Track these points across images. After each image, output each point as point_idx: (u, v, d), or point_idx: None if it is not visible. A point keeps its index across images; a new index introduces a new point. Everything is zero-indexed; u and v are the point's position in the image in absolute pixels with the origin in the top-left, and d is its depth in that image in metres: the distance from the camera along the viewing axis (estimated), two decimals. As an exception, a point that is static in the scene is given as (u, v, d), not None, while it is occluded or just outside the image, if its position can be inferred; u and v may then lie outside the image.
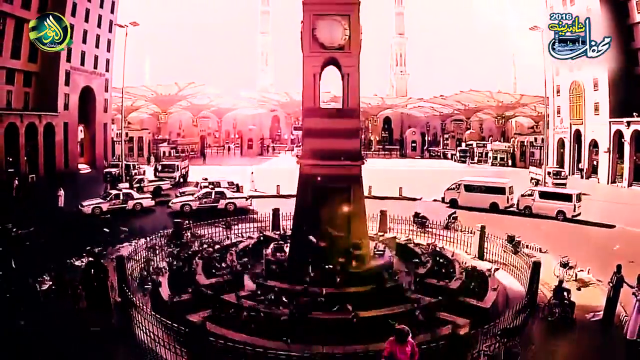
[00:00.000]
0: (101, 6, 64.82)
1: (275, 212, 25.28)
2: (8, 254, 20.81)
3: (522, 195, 34.77)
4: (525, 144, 76.57)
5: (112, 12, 67.67)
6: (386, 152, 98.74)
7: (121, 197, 32.70)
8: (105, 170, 49.99)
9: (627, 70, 55.15)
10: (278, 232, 22.99)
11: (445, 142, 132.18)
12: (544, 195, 33.46)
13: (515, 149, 75.85)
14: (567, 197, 32.44)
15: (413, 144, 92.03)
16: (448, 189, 36.85)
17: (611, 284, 15.55)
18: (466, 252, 22.43)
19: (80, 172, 60.53)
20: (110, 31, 67.06)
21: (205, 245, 21.52)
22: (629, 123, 52.42)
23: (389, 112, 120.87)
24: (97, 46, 64.62)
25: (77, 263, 19.95)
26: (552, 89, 67.12)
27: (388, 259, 17.98)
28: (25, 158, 51.18)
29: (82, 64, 61.12)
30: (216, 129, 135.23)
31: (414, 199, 39.55)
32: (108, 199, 32.37)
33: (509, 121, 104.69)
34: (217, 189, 33.77)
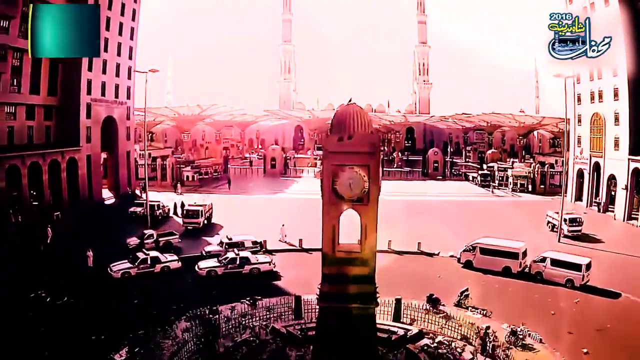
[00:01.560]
0: (120, 33, 65.76)
1: (298, 299, 26.00)
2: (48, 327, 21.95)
3: (534, 261, 34.73)
4: (545, 169, 76.04)
5: (131, 38, 68.81)
6: (408, 171, 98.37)
7: (149, 261, 33.46)
8: (130, 210, 51.22)
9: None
10: (300, 324, 24.16)
11: (467, 154, 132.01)
12: (554, 262, 33.44)
13: (536, 175, 75.00)
14: (576, 267, 32.42)
15: (435, 164, 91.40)
16: (464, 251, 37.23)
17: None
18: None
19: (105, 202, 62.30)
20: (130, 58, 68.76)
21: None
22: (647, 164, 51.55)
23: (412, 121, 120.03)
24: (117, 75, 66.06)
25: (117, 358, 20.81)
26: (574, 118, 66.37)
27: None
28: (49, 190, 52.88)
29: (103, 94, 62.59)
30: (239, 139, 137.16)
31: (432, 255, 40.00)
32: (137, 263, 33.07)
33: (531, 133, 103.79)
34: (241, 255, 34.16)
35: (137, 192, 69.02)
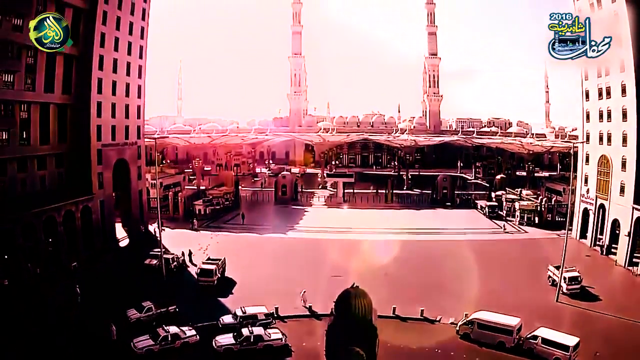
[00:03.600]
0: (127, 74, 66.85)
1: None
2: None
3: (527, 338, 35.67)
4: (553, 202, 76.64)
5: (139, 76, 69.65)
6: (418, 194, 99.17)
7: (169, 338, 35.03)
8: (145, 262, 52.31)
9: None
10: None
11: (477, 169, 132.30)
12: (545, 341, 34.41)
13: (543, 208, 75.53)
14: (565, 348, 33.45)
15: (444, 191, 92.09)
16: (463, 324, 38.28)
17: None
18: None
19: (119, 243, 63.88)
20: (139, 97, 69.86)
21: None
22: (651, 215, 51.87)
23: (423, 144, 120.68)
24: (126, 117, 67.21)
25: None
26: (581, 156, 66.76)
27: None
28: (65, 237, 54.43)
29: (113, 138, 63.94)
30: (249, 155, 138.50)
31: (433, 322, 41.05)
32: (158, 340, 34.81)
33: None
34: (255, 333, 35.58)
35: (151, 228, 70.53)
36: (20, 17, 48.35)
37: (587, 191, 65.33)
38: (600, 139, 62.31)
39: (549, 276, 49.58)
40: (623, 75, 56.62)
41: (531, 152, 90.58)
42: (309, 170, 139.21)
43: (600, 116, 62.50)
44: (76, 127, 58.88)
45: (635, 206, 54.34)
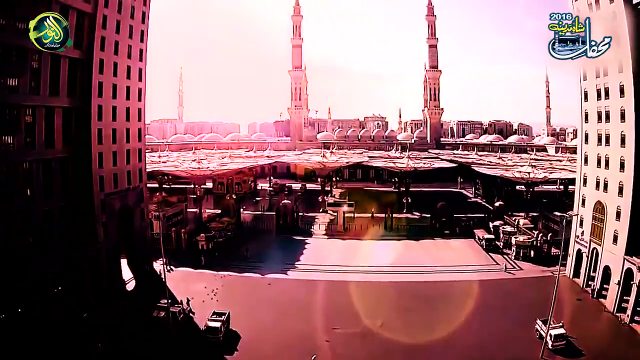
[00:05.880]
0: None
1: None
2: None
3: None
4: (549, 237, 78.43)
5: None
6: (418, 218, 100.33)
7: None
8: (153, 315, 53.55)
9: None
10: None
11: (477, 185, 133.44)
12: None
13: (539, 244, 76.99)
14: None
15: (443, 219, 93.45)
16: None
17: None
18: None
19: (126, 286, 65.40)
20: (139, 140, 71.01)
21: None
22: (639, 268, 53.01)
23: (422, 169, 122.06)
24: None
25: None
26: (578, 200, 67.72)
27: None
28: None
29: (116, 186, 64.97)
30: (251, 171, 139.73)
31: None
32: None
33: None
34: None
35: (155, 266, 71.82)
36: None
37: (582, 233, 66.38)
38: (597, 185, 63.21)
39: (537, 329, 50.96)
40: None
41: (530, 180, 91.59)
42: (310, 186, 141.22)
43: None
44: (79, 178, 59.30)
45: (627, 257, 55.55)
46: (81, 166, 59.41)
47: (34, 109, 52.15)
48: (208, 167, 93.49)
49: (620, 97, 57.37)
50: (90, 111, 59.45)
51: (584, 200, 66.70)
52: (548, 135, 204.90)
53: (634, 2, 53.87)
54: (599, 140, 62.96)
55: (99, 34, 59.82)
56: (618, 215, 58.37)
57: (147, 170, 77.85)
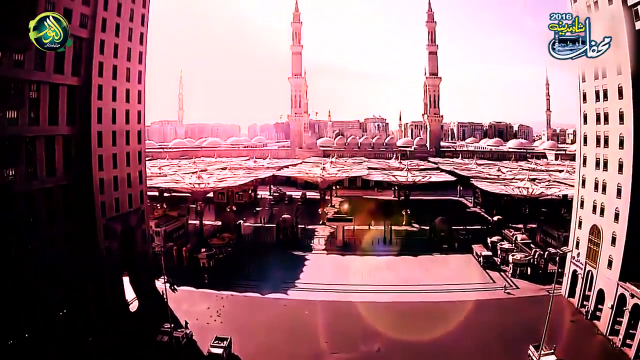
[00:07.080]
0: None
1: None
2: None
3: None
4: (546, 255, 79.17)
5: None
6: (417, 231, 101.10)
7: None
8: (157, 339, 54.29)
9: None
10: None
11: (477, 194, 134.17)
12: None
13: (536, 262, 77.88)
14: None
15: (442, 234, 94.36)
16: None
17: None
18: None
19: (129, 307, 66.35)
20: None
21: None
22: (633, 295, 53.83)
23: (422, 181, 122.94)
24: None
25: None
26: (574, 223, 68.35)
27: None
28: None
29: (117, 210, 65.76)
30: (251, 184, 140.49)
31: None
32: None
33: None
34: None
35: (157, 285, 72.70)
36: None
37: (578, 254, 67.10)
38: (594, 209, 63.84)
39: (529, 355, 51.96)
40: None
41: (529, 195, 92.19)
42: (310, 194, 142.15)
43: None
44: (80, 204, 60.16)
45: (620, 283, 56.34)
46: (83, 192, 60.21)
47: (33, 139, 53.15)
48: (208, 184, 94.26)
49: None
50: (90, 138, 60.38)
51: (580, 223, 67.41)
52: (548, 139, 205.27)
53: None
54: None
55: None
56: (614, 240, 59.08)
57: (148, 185, 78.57)
